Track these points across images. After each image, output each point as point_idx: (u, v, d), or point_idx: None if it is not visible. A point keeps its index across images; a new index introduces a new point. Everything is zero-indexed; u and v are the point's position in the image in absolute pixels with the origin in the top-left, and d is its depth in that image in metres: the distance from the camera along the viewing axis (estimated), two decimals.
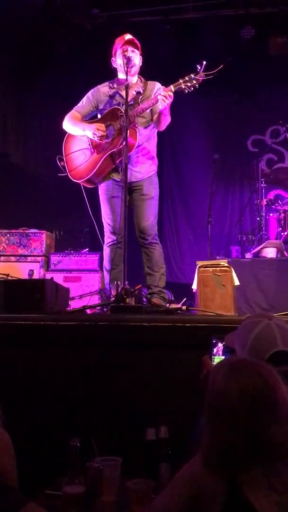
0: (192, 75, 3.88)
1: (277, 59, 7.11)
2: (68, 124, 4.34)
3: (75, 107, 4.38)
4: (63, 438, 2.03)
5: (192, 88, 3.91)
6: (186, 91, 3.93)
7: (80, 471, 1.93)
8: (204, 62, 3.88)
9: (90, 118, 4.38)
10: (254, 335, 1.83)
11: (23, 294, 3.25)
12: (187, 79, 3.89)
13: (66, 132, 4.40)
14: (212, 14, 6.83)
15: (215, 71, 3.92)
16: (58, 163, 4.36)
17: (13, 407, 2.60)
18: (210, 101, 8.08)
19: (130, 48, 4.12)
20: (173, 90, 3.90)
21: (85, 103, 4.35)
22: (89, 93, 4.35)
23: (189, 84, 3.89)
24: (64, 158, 4.37)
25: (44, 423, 2.68)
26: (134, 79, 4.22)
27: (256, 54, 7.19)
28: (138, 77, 4.29)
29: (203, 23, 6.88)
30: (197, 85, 3.90)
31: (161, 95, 3.90)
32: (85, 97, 4.37)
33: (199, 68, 3.88)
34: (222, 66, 3.92)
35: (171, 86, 3.92)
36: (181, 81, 3.90)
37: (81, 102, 4.37)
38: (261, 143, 8.04)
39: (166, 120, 4.10)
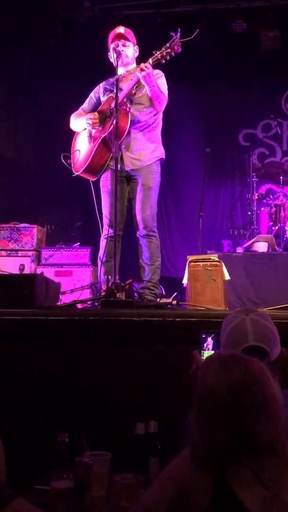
0: (168, 44, 3.89)
1: (269, 53, 7.09)
2: (72, 121, 4.39)
3: (81, 106, 4.42)
4: (52, 433, 2.02)
5: (168, 57, 3.91)
6: (163, 61, 3.93)
7: (69, 466, 1.92)
8: (179, 29, 3.89)
9: None
10: (228, 330, 1.88)
11: (13, 289, 3.25)
12: (163, 49, 3.90)
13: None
14: (203, 7, 6.80)
15: (190, 37, 3.97)
16: (64, 162, 4.34)
17: (2, 401, 2.60)
18: (201, 95, 8.08)
19: (120, 43, 4.11)
20: (151, 63, 3.91)
21: (88, 102, 4.40)
22: (92, 92, 4.40)
23: (164, 53, 3.89)
24: (71, 156, 4.37)
25: (33, 417, 2.68)
26: (132, 70, 4.21)
27: (247, 48, 7.17)
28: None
29: (194, 16, 6.85)
30: (173, 54, 3.90)
31: (137, 69, 3.92)
32: (88, 97, 4.41)
33: (174, 36, 3.88)
34: (198, 30, 4.05)
35: (150, 59, 3.93)
36: (157, 52, 3.91)
37: (85, 102, 4.42)
38: (252, 137, 8.02)
39: (156, 96, 4.01)
